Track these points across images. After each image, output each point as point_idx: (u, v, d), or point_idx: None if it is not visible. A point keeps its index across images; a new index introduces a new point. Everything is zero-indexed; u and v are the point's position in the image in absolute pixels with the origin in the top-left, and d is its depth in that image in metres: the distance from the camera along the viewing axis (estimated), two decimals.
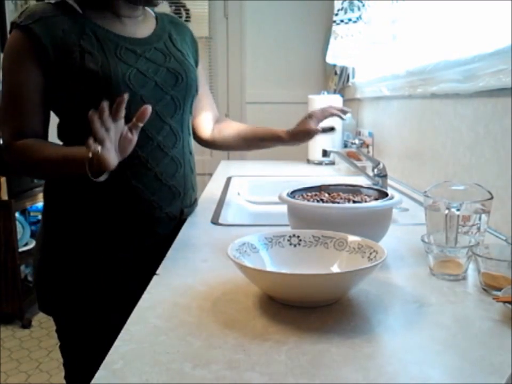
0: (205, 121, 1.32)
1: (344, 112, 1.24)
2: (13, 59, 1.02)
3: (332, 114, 1.22)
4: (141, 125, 0.90)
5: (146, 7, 1.15)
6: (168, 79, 1.08)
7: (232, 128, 1.33)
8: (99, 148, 0.83)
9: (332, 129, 1.21)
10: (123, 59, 1.03)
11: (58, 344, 1.20)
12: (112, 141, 0.87)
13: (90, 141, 0.84)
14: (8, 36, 1.04)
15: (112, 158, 0.87)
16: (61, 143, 1.09)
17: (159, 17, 1.18)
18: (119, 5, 1.07)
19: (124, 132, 0.89)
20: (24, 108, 1.02)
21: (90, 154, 0.86)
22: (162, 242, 1.06)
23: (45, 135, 1.07)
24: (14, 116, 1.03)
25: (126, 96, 0.87)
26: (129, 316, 0.66)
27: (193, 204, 1.21)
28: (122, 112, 0.87)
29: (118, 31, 1.06)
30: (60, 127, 1.09)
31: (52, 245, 1.11)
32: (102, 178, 0.91)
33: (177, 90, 1.10)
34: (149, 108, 0.89)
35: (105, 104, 0.85)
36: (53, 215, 1.11)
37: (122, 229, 1.08)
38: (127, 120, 0.92)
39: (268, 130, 1.29)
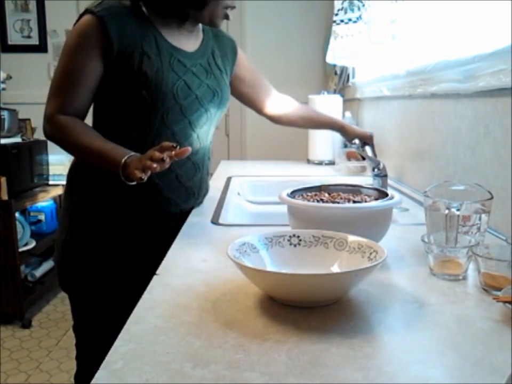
0: (266, 100, 1.47)
1: None
2: (80, 42, 1.07)
3: None
4: (176, 159, 0.96)
5: None
6: (207, 95, 1.18)
7: (300, 111, 1.54)
8: (144, 176, 0.93)
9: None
10: (174, 69, 1.11)
11: (72, 324, 1.28)
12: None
13: (137, 171, 0.93)
14: (77, 19, 1.10)
15: (146, 178, 0.94)
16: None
17: (205, 31, 1.25)
18: (185, 20, 1.15)
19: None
20: (77, 89, 1.09)
21: (122, 161, 0.97)
22: (173, 233, 1.12)
23: (84, 118, 1.13)
24: (65, 93, 1.09)
25: (189, 150, 0.94)
26: (130, 316, 0.66)
27: (203, 200, 1.33)
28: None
29: (173, 41, 1.14)
30: (95, 115, 1.18)
31: (77, 228, 1.18)
32: (134, 183, 0.98)
33: (212, 106, 1.20)
34: (189, 149, 0.95)
35: (172, 153, 0.93)
36: (77, 203, 1.19)
37: (141, 222, 1.17)
38: (161, 123, 1.10)
39: (340, 122, 1.58)
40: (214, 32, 1.28)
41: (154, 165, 0.92)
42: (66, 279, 1.23)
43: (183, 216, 1.21)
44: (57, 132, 1.09)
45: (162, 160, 0.92)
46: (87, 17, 1.07)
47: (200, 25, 1.24)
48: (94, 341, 1.21)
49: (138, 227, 1.18)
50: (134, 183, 0.98)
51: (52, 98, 1.10)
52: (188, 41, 1.18)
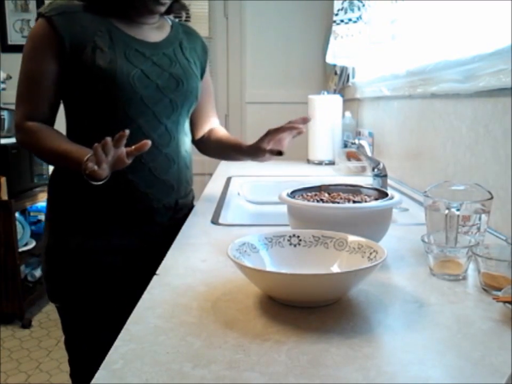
0: (200, 126, 1.37)
1: (305, 121, 1.16)
2: (33, 46, 1.10)
3: (289, 129, 1.15)
4: (137, 153, 0.97)
5: (163, 15, 1.22)
6: (170, 83, 1.15)
7: (215, 136, 1.36)
8: (95, 167, 0.94)
9: (279, 153, 1.14)
10: (130, 60, 1.10)
11: (63, 338, 1.23)
12: (108, 163, 0.96)
13: (90, 163, 0.95)
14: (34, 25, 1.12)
15: (104, 174, 0.96)
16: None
17: (174, 25, 1.25)
18: (135, 14, 1.14)
19: (121, 155, 0.97)
20: (38, 93, 1.10)
21: (84, 160, 0.97)
22: (161, 229, 1.17)
23: (53, 120, 1.15)
24: (28, 99, 1.12)
25: (127, 132, 0.94)
26: (130, 316, 0.66)
27: (188, 195, 1.29)
28: (123, 142, 0.95)
29: (133, 34, 1.14)
30: (66, 114, 1.18)
31: (57, 234, 1.17)
32: (100, 183, 0.99)
33: (177, 95, 1.16)
34: (148, 142, 0.96)
35: (108, 140, 0.93)
36: (57, 205, 1.18)
37: (123, 219, 1.16)
38: (125, 116, 1.08)
39: (236, 141, 1.31)
40: (184, 29, 1.28)
41: (99, 147, 0.93)
42: (56, 286, 1.19)
43: (168, 212, 1.20)
44: (27, 139, 1.11)
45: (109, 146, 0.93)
46: (38, 21, 1.09)
47: (168, 20, 1.25)
48: (88, 355, 1.15)
49: (121, 224, 1.16)
50: (99, 182, 0.98)
51: (18, 106, 1.13)
52: (151, 33, 1.18)
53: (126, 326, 0.63)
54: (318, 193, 1.00)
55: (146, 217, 1.18)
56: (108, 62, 1.07)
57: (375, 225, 0.89)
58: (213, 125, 1.41)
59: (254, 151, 1.21)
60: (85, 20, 1.09)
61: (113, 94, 1.08)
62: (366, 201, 0.93)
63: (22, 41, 3.30)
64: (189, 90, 1.19)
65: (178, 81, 1.16)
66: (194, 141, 1.38)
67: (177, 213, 1.22)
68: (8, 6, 3.27)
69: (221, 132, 1.40)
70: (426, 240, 0.81)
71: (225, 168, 2.18)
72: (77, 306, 1.18)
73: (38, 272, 2.95)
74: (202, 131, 1.38)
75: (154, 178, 1.16)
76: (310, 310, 0.67)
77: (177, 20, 1.32)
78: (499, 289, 0.69)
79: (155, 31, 1.19)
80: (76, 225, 1.15)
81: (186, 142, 1.25)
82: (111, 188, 1.07)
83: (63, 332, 1.23)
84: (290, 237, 0.81)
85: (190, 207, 1.30)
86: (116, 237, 1.16)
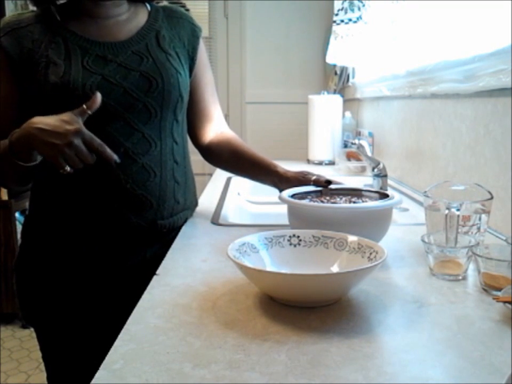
0: (201, 128, 1.20)
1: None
2: None
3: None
4: (89, 112, 0.89)
5: (136, 4, 1.08)
6: (141, 85, 1.00)
7: (230, 146, 1.19)
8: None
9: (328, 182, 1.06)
10: (88, 67, 0.98)
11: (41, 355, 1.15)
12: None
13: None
14: None
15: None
16: None
17: (153, 12, 1.10)
18: (89, 6, 1.02)
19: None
20: (1, 120, 1.00)
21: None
22: (135, 254, 1.04)
23: None
24: None
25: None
26: (124, 318, 0.66)
27: (175, 215, 1.08)
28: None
29: (94, 36, 1.01)
30: None
31: (30, 251, 1.07)
32: (35, 162, 0.92)
33: (152, 97, 1.01)
34: (98, 96, 0.89)
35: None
36: (30, 224, 1.09)
37: (97, 235, 1.03)
38: (92, 125, 0.91)
39: (264, 160, 1.15)
40: (166, 13, 1.11)
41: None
42: (29, 307, 1.09)
43: (142, 233, 1.04)
44: None
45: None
46: None
47: (147, 6, 1.11)
48: (69, 376, 1.09)
49: (95, 241, 1.03)
50: (35, 162, 0.90)
51: None
52: (119, 29, 1.04)
53: (126, 326, 0.63)
54: (319, 197, 1.00)
55: (115, 237, 1.03)
56: (61, 76, 0.95)
57: (375, 225, 0.89)
58: (219, 126, 1.22)
59: (299, 181, 1.08)
60: (36, 32, 0.99)
61: (68, 109, 0.91)
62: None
63: None
64: (166, 89, 1.02)
65: (151, 80, 1.00)
66: (198, 146, 1.22)
67: (156, 236, 1.06)
68: (8, 6, 3.26)
69: (237, 141, 1.21)
70: (426, 240, 0.81)
71: None
72: (52, 328, 1.08)
73: None
74: (205, 134, 1.20)
75: (126, 191, 1.00)
76: (310, 310, 0.67)
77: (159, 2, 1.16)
78: (499, 289, 0.69)
79: (124, 25, 1.05)
80: (45, 244, 1.05)
81: (177, 150, 1.08)
82: (76, 199, 1.00)
83: (42, 358, 1.13)
84: (290, 237, 0.81)
85: (177, 232, 1.09)
86: (83, 262, 1.04)
